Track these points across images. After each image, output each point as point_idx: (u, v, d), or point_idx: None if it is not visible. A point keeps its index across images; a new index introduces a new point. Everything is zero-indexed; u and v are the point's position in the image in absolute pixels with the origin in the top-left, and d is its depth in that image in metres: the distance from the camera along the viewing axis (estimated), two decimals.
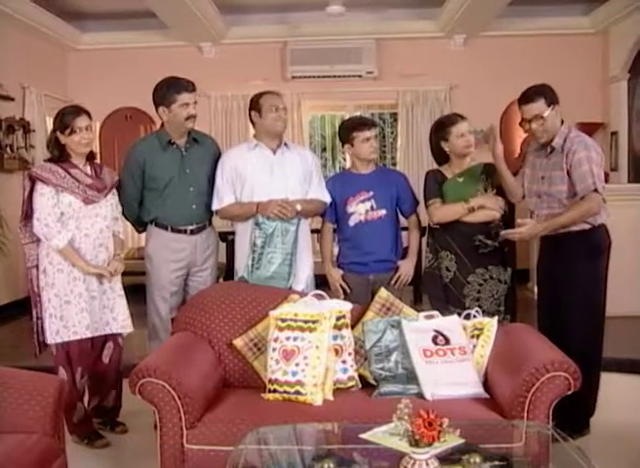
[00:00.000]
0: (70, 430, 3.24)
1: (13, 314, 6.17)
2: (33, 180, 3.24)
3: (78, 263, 3.25)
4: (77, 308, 3.25)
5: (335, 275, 3.60)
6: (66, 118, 3.25)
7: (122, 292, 3.46)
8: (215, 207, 3.56)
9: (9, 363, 3.50)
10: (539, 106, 3.16)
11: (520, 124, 3.28)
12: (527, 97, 3.20)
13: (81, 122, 3.25)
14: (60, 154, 3.28)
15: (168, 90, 3.46)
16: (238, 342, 3.04)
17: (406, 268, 3.61)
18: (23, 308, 6.28)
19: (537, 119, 3.17)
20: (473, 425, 2.37)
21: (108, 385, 3.49)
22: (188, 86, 3.49)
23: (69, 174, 3.25)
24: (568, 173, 3.14)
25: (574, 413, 3.03)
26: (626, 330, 5.08)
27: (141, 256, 6.08)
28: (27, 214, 3.28)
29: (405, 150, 7.61)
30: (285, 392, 2.77)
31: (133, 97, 7.28)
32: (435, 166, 3.67)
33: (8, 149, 6.30)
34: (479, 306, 3.25)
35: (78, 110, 3.30)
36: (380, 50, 7.47)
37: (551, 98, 3.18)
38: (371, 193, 3.53)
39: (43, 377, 2.56)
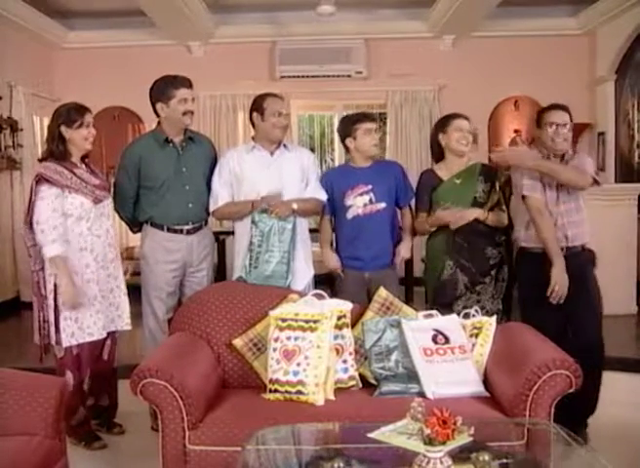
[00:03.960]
0: (68, 432, 3.19)
1: (2, 315, 6.09)
2: (38, 181, 3.14)
3: (63, 279, 3.10)
4: (92, 310, 3.23)
5: (332, 259, 3.57)
6: (75, 112, 3.22)
7: (126, 290, 3.45)
8: (211, 208, 3.57)
9: (4, 364, 3.46)
10: (568, 117, 3.34)
11: (538, 125, 3.36)
12: (562, 106, 3.37)
13: (89, 118, 3.26)
14: (64, 150, 3.21)
15: (166, 86, 3.48)
16: (238, 342, 3.03)
17: (403, 251, 3.59)
18: (13, 309, 6.25)
19: (566, 126, 3.33)
20: (476, 423, 2.37)
21: (106, 383, 3.47)
22: (186, 82, 3.52)
23: (75, 174, 3.21)
24: None
25: (571, 412, 3.06)
26: (614, 329, 5.12)
27: (130, 257, 6.11)
28: (30, 216, 3.17)
29: (393, 150, 7.58)
30: (286, 392, 2.77)
31: (120, 96, 7.24)
32: (424, 165, 3.68)
33: None
34: (482, 307, 3.25)
35: (84, 107, 3.29)
36: (369, 50, 7.47)
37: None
38: (369, 186, 3.50)
39: (45, 379, 2.55)
